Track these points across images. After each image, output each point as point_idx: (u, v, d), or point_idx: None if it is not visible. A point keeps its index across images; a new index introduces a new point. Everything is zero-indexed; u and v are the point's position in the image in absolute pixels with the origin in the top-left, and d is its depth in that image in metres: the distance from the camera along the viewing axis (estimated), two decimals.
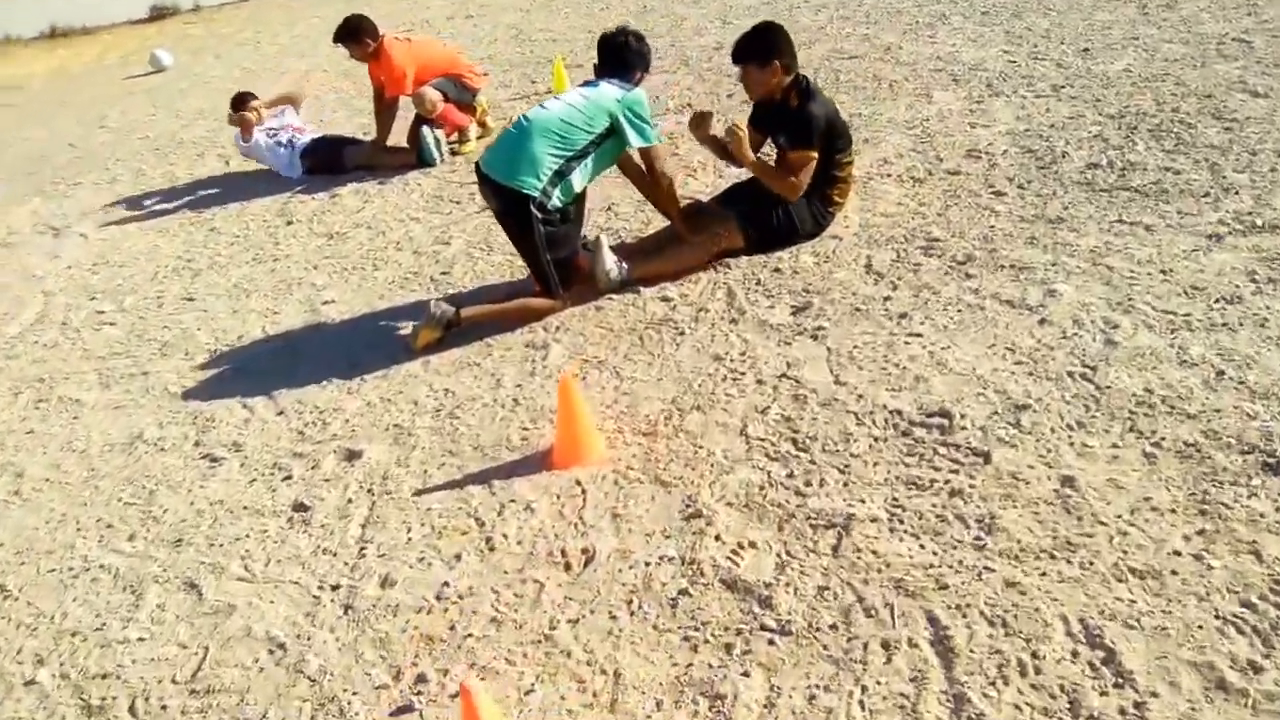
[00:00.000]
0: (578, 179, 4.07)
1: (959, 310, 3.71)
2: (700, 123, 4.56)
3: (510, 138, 4.07)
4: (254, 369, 4.26)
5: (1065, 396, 3.11)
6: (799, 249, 4.44)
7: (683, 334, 3.90)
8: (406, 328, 4.25)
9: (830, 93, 6.56)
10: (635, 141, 4.11)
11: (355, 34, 6.29)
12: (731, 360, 3.66)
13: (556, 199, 4.03)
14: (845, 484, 2.90)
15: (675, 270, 4.39)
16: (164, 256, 5.78)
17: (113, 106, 10.58)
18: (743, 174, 5.05)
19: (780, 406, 3.33)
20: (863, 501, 2.81)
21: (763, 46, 4.31)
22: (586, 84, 4.20)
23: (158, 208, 6.76)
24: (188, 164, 7.76)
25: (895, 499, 2.80)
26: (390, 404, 3.79)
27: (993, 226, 4.33)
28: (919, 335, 3.59)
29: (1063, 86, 5.95)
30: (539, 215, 3.99)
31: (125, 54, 13.51)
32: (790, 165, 4.34)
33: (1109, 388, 3.11)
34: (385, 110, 6.61)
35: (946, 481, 2.83)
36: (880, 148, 5.50)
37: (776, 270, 4.28)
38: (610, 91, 4.08)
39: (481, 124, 7.00)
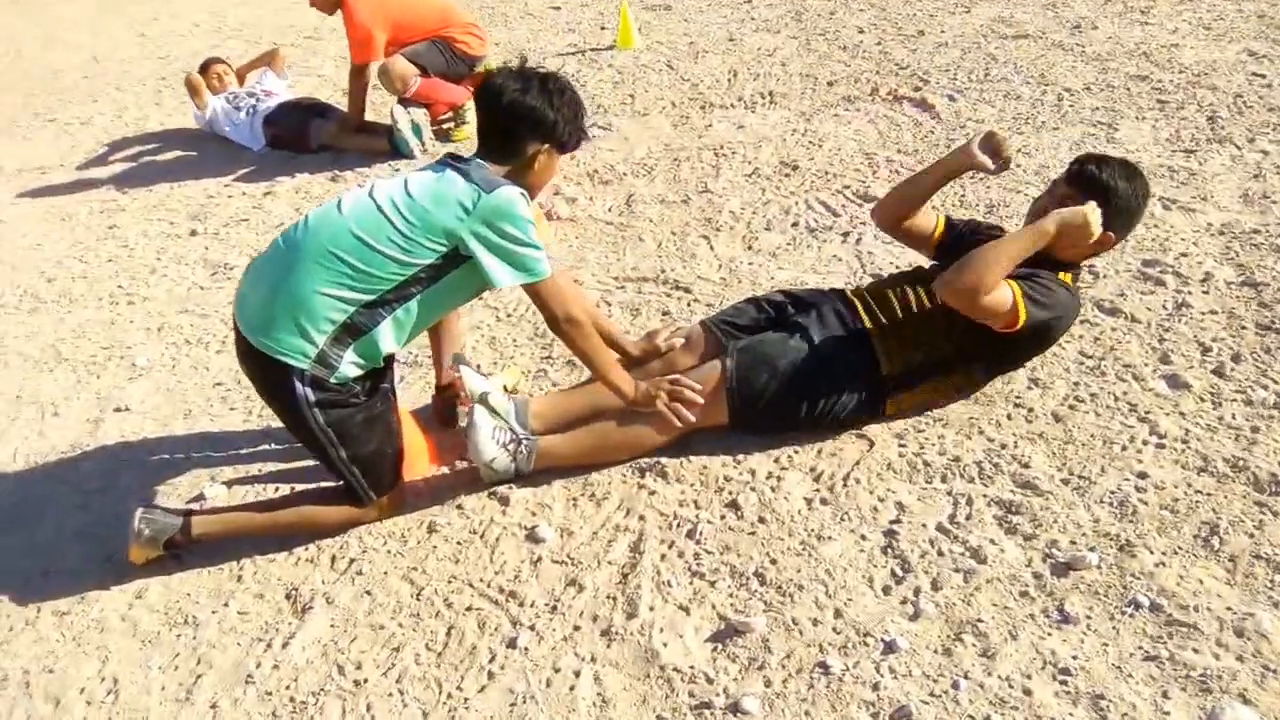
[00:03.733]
0: (389, 334, 2.35)
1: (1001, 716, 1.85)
2: (995, 160, 2.69)
3: (271, 262, 2.37)
4: None
5: None
6: (798, 452, 2.61)
7: (513, 645, 2.20)
8: (159, 508, 2.68)
9: (973, 95, 4.50)
10: (502, 280, 2.32)
11: None
12: None
13: (348, 367, 2.34)
14: None
15: (613, 455, 2.67)
16: (30, 266, 4.44)
17: (171, 6, 9.37)
18: (788, 277, 3.20)
19: None
20: None
21: (1123, 199, 2.54)
22: (438, 165, 2.40)
23: (89, 174, 5.45)
24: (173, 106, 6.42)
25: None
26: (25, 696, 2.30)
27: (1141, 492, 2.36)
28: None
29: None
30: (310, 397, 2.32)
31: None
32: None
33: None
34: (356, 79, 4.99)
35: None
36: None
37: (734, 508, 2.47)
38: (456, 192, 2.28)
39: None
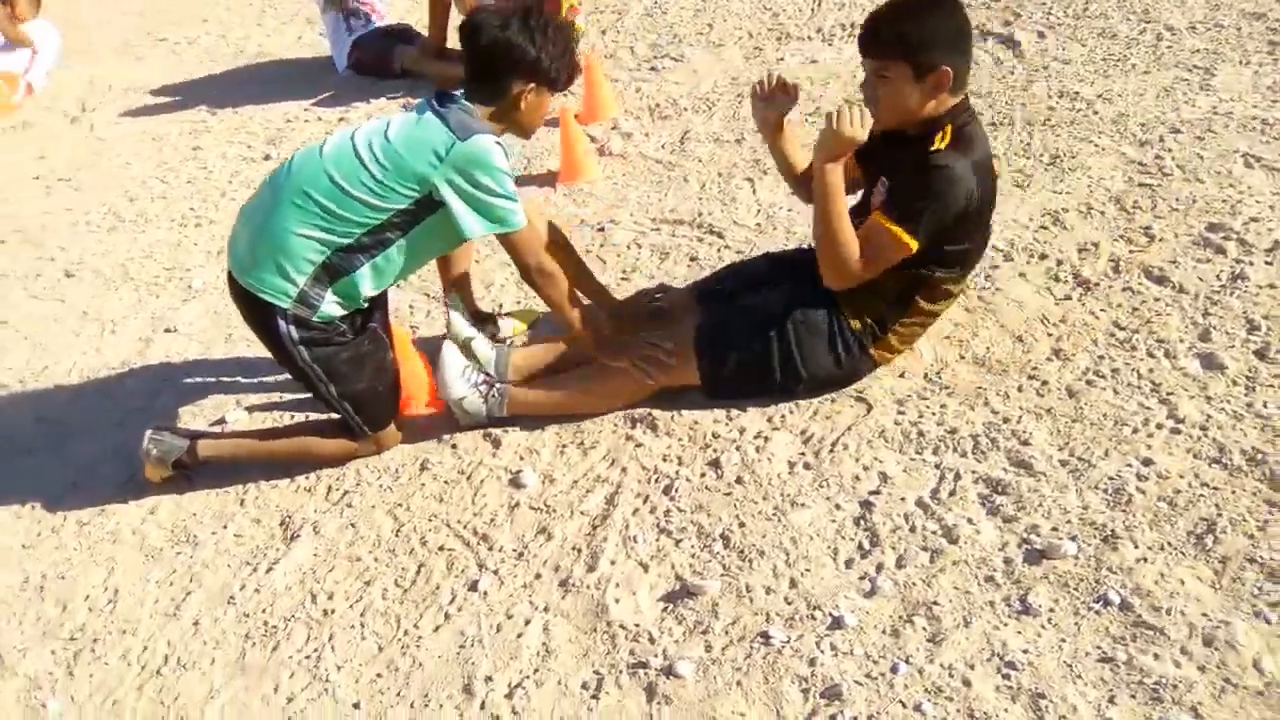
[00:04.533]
0: (368, 277, 2.39)
1: None
2: (776, 98, 2.61)
3: (257, 203, 2.43)
4: None
5: None
6: (793, 412, 2.55)
7: (474, 588, 2.25)
8: (174, 431, 2.81)
9: (1064, 32, 4.20)
10: (472, 230, 2.33)
11: None
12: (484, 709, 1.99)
13: (330, 306, 2.39)
14: None
15: (583, 409, 2.67)
16: (117, 185, 4.67)
17: None
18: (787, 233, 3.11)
19: None
20: None
21: (926, 33, 2.27)
22: (421, 106, 2.40)
23: (185, 95, 5.65)
24: (273, 27, 6.58)
25: None
26: (39, 598, 2.48)
27: (1141, 481, 2.21)
28: None
29: None
30: (294, 335, 2.38)
31: None
32: (865, 236, 2.37)
33: None
34: (435, 2, 5.00)
35: None
36: (1068, 175, 3.26)
37: (715, 467, 2.44)
38: (430, 137, 2.28)
39: (568, 24, 5.20)
